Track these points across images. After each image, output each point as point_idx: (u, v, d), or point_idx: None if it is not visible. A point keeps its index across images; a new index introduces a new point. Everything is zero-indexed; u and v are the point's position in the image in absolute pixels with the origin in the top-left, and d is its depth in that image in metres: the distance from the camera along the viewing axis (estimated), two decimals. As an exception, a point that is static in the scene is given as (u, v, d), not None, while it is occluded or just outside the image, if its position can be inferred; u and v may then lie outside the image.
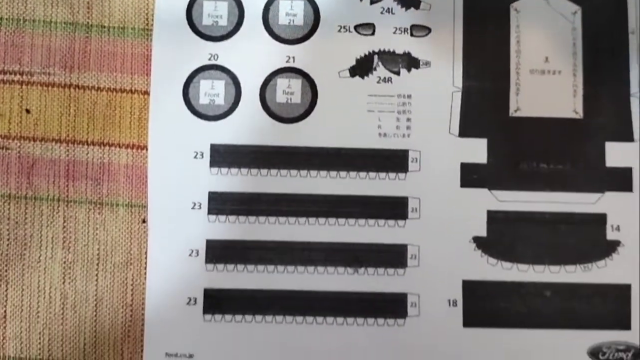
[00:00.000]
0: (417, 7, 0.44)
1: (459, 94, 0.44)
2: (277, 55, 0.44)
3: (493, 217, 0.43)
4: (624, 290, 0.43)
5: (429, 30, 0.45)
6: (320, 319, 0.43)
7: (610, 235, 0.43)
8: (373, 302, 0.43)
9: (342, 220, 0.43)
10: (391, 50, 0.45)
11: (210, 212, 0.43)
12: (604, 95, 0.45)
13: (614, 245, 0.43)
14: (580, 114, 0.44)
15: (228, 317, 0.43)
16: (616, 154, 0.44)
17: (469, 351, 0.42)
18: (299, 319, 0.42)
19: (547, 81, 0.45)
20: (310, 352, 0.42)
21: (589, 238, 0.43)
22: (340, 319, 0.43)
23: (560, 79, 0.44)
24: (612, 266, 0.43)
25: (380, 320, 0.43)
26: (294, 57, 0.44)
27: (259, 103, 0.44)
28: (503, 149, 0.44)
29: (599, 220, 0.44)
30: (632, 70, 0.45)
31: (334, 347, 0.42)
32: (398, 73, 0.44)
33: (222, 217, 0.43)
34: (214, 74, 0.44)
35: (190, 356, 0.42)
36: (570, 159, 0.44)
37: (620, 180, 0.44)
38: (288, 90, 0.44)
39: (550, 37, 0.45)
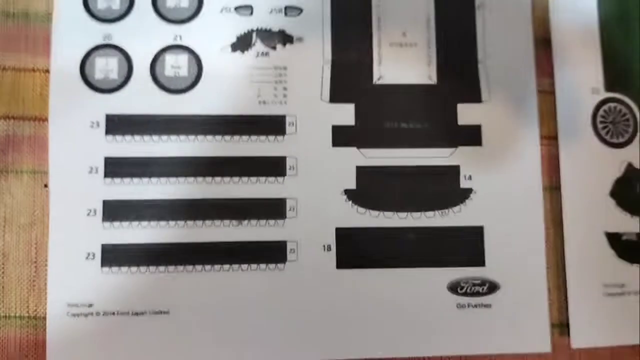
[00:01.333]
0: (289, -10, 0.51)
1: (329, 65, 0.50)
2: (166, 34, 0.50)
3: (361, 172, 0.49)
4: (477, 232, 0.49)
5: (300, 10, 0.51)
6: (208, 267, 0.47)
7: (464, 183, 0.50)
8: (256, 251, 0.48)
9: (227, 179, 0.48)
10: (268, 28, 0.51)
11: (106, 175, 0.48)
12: (455, 63, 0.51)
13: (467, 193, 0.50)
14: (434, 80, 0.51)
15: (124, 269, 0.47)
16: (467, 113, 0.50)
17: (343, 290, 0.48)
18: (189, 267, 0.47)
19: (405, 52, 0.51)
20: (200, 296, 0.47)
21: (445, 187, 0.50)
22: (227, 266, 0.48)
23: (417, 50, 0.51)
24: (466, 211, 0.49)
25: (263, 266, 0.48)
26: (181, 36, 0.50)
27: (150, 77, 0.49)
28: (369, 113, 0.50)
29: (454, 171, 0.50)
30: (479, 40, 0.52)
31: (223, 292, 0.47)
32: (274, 48, 0.50)
33: (118, 180, 0.48)
34: (109, 52, 0.49)
35: (90, 305, 0.47)
36: (427, 119, 0.50)
37: (470, 136, 0.50)
38: (176, 65, 0.49)
39: (407, 13, 0.52)
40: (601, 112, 0.51)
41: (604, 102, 0.51)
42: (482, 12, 0.52)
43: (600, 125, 0.51)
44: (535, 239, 0.49)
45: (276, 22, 0.50)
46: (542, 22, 0.52)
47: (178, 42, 0.49)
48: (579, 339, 0.49)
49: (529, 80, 0.51)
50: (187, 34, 0.49)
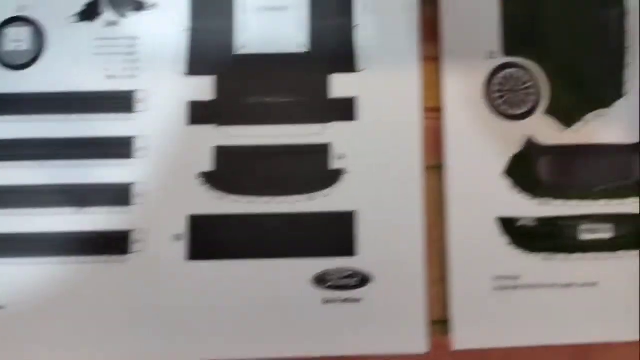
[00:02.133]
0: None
1: (186, 34, 0.45)
2: (7, 5, 0.45)
3: (221, 152, 0.44)
4: (348, 217, 0.44)
5: (156, -28, 0.46)
6: (45, 259, 0.43)
7: (335, 164, 0.44)
8: (97, 240, 0.43)
9: (68, 162, 0.44)
10: (119, -6, 0.45)
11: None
12: (329, 28, 0.45)
13: (338, 174, 0.44)
14: (306, 48, 0.45)
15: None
16: (340, 84, 0.45)
17: (193, 283, 0.43)
18: (24, 260, 0.43)
19: (273, 17, 0.45)
20: (37, 290, 0.43)
21: (315, 168, 0.44)
22: (64, 258, 0.43)
23: (286, 15, 0.45)
24: (337, 194, 0.44)
25: (104, 258, 0.43)
26: (25, 6, 0.45)
27: (-13, 52, 0.45)
28: (230, 86, 0.45)
29: (324, 150, 0.44)
30: (356, 1, 0.45)
31: (61, 286, 0.43)
32: (124, 16, 0.45)
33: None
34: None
35: None
36: (295, 92, 0.45)
37: (344, 110, 0.44)
38: (16, 38, 0.45)
39: (275, -26, 0.46)
40: (497, 79, 0.45)
41: (501, 68, 0.45)
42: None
43: (495, 95, 0.44)
44: (413, 226, 0.43)
45: (128, -13, 0.45)
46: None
47: (21, 13, 0.44)
48: (463, 339, 0.43)
49: (411, 45, 0.45)
50: (31, 4, 0.44)
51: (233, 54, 0.45)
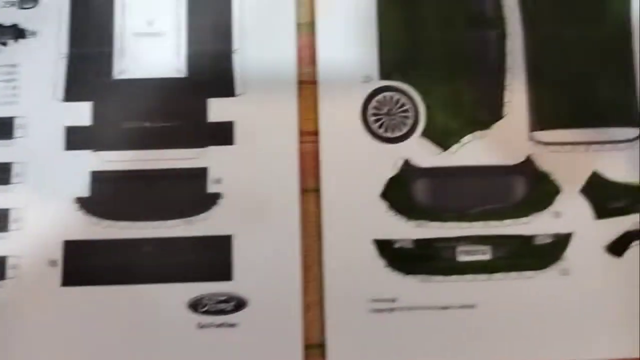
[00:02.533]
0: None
1: (64, 60, 0.45)
2: None
3: (97, 178, 0.44)
4: (225, 241, 0.44)
5: (36, 1, 0.46)
6: None
7: (212, 188, 0.44)
8: (-29, 267, 0.43)
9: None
10: (-1, 22, 0.46)
11: None
12: (208, 53, 0.45)
13: (214, 198, 0.44)
14: (184, 73, 0.45)
15: None
16: (219, 109, 0.45)
17: (67, 309, 0.43)
18: None
19: (151, 43, 0.46)
20: None
21: (191, 192, 0.44)
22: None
23: (165, 40, 0.45)
24: (213, 218, 0.44)
25: (-22, 284, 0.43)
26: None
27: None
28: (108, 111, 0.45)
29: (200, 174, 0.44)
30: (236, 27, 0.46)
31: None
32: (5, 44, 0.45)
33: None
34: None
35: None
36: (173, 116, 0.45)
37: (221, 134, 0.44)
38: None
39: (155, 0, 0.46)
40: (374, 103, 0.45)
41: (378, 91, 0.45)
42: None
43: (372, 119, 0.45)
44: (290, 250, 0.43)
45: (9, 16, 0.45)
46: (307, 5, 0.46)
47: None
48: (338, 362, 0.42)
49: (290, 69, 0.45)
50: None
51: (111, 79, 0.45)
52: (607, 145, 0.45)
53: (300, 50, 0.45)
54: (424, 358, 0.43)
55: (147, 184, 0.44)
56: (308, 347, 0.43)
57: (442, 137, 0.45)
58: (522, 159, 0.45)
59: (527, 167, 0.45)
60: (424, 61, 0.45)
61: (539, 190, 0.44)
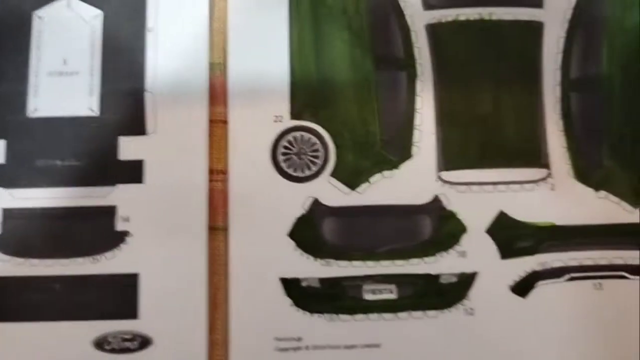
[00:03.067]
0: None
1: (-18, 100, 0.46)
2: None
3: (8, 215, 0.44)
4: (131, 280, 0.44)
5: (-49, 43, 0.47)
6: None
7: (120, 226, 0.44)
8: None
9: None
10: None
11: None
12: (120, 92, 0.46)
13: (122, 236, 0.44)
14: (96, 112, 0.46)
15: None
16: (129, 147, 0.45)
17: (-27, 347, 0.43)
18: None
19: (65, 82, 0.46)
20: None
21: (99, 230, 0.44)
22: None
23: (78, 79, 0.46)
24: (121, 256, 0.44)
25: None
26: None
27: None
28: (21, 149, 0.45)
29: (109, 212, 0.45)
30: (149, 66, 0.46)
31: None
32: None
33: None
34: None
35: None
36: (85, 155, 0.45)
37: (131, 172, 0.45)
38: None
39: (70, 40, 0.47)
40: (284, 142, 0.45)
41: (288, 131, 0.45)
42: (153, 35, 0.46)
43: (281, 158, 0.45)
44: (196, 288, 0.43)
45: None
46: (220, 45, 0.47)
47: None
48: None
49: (201, 108, 0.45)
50: None
51: (25, 117, 0.45)
52: (514, 186, 0.45)
53: (212, 89, 0.46)
54: (329, 396, 0.43)
55: (57, 221, 0.44)
56: (213, 387, 0.43)
57: (351, 177, 0.45)
58: (429, 198, 0.45)
59: (434, 207, 0.45)
60: (334, 101, 0.46)
61: (445, 229, 0.45)
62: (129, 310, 0.43)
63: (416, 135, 0.46)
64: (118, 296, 0.44)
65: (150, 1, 0.47)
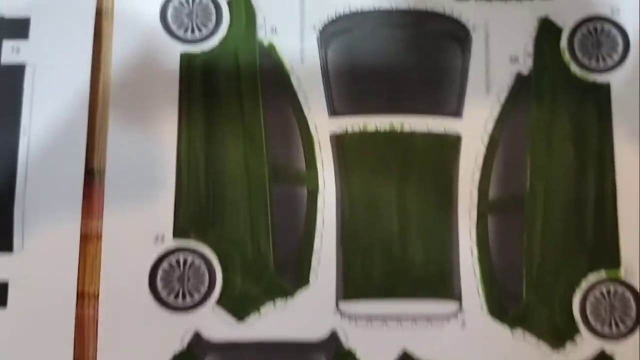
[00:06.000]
0: None
1: None
2: None
3: None
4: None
5: None
6: None
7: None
8: None
9: None
10: None
11: None
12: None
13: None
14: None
15: None
16: (-6, 266, 0.40)
17: None
18: None
19: None
20: None
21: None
22: None
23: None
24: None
25: None
26: None
27: None
28: None
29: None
30: (20, 174, 0.42)
31: None
32: None
33: None
34: None
35: None
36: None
37: (-7, 295, 0.40)
38: None
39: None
40: (164, 265, 0.40)
41: (170, 252, 0.40)
42: (25, 140, 0.41)
43: (161, 283, 0.40)
44: None
45: None
46: (100, 150, 0.42)
47: None
48: None
49: (73, 223, 0.40)
50: None
51: None
52: (421, 322, 0.40)
53: (86, 201, 0.41)
54: None
55: None
56: None
57: (239, 306, 0.41)
58: (326, 334, 0.40)
59: (330, 344, 0.40)
60: (224, 217, 0.41)
61: (341, 371, 0.40)
62: None
63: (315, 259, 0.41)
64: None
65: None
